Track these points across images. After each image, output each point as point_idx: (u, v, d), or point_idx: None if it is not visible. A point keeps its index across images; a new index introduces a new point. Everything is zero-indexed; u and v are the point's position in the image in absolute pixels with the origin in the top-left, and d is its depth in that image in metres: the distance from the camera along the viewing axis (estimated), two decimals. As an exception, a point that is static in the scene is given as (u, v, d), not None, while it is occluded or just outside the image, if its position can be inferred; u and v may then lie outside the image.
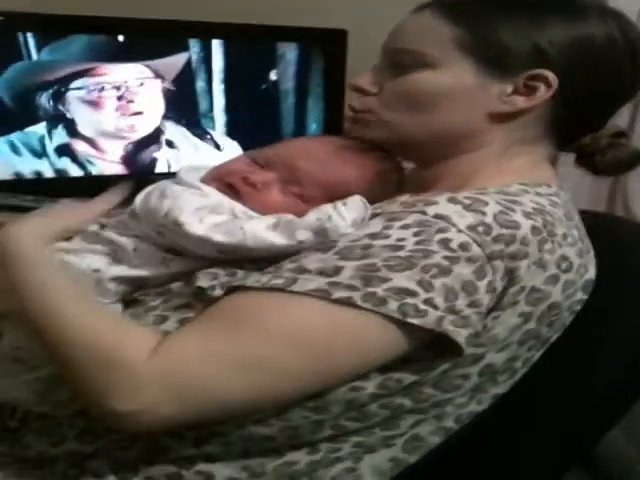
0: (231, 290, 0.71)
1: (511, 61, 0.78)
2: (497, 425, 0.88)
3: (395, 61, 0.82)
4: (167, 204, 0.75)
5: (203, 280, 0.73)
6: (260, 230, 0.72)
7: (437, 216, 0.70)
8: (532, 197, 0.77)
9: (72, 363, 0.68)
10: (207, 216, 0.74)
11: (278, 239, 0.72)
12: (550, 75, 0.77)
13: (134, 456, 0.79)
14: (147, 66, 1.65)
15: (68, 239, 0.80)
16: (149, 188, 0.81)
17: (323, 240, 0.72)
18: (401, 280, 0.66)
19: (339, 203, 0.74)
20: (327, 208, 0.74)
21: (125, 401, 0.65)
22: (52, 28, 1.56)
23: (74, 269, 0.77)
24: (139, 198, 0.80)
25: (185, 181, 0.81)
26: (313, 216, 0.73)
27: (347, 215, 0.72)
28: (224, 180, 0.81)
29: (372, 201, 0.79)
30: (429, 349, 0.72)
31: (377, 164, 0.86)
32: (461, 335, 0.68)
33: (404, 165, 0.90)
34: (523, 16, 0.78)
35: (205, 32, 1.71)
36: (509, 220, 0.71)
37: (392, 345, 0.69)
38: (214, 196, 0.79)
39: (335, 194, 0.79)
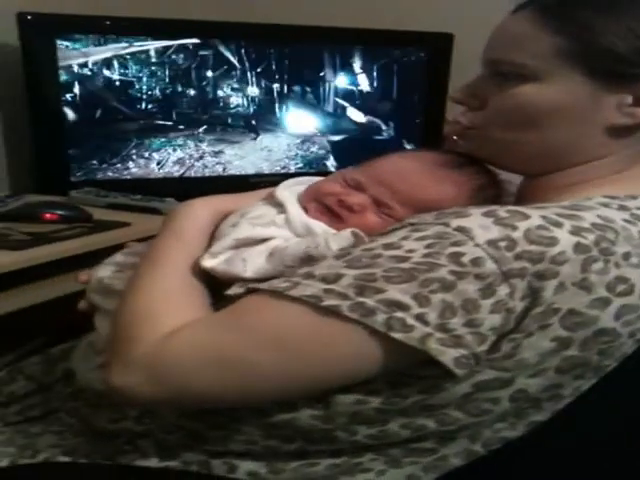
0: (250, 291, 0.72)
1: (626, 69, 0.72)
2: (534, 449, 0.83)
3: (496, 71, 0.78)
4: (228, 231, 0.78)
5: (233, 288, 0.74)
6: (259, 263, 0.74)
7: (458, 228, 0.66)
8: (603, 211, 0.70)
9: (112, 335, 0.73)
10: (230, 251, 0.76)
11: (270, 268, 0.73)
12: None
13: (175, 441, 0.82)
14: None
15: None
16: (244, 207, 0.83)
17: (310, 264, 0.71)
18: (395, 292, 0.64)
19: (330, 235, 0.74)
20: (318, 238, 0.73)
21: (116, 376, 0.69)
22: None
23: None
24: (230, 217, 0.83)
25: (278, 198, 0.82)
26: (303, 244, 0.73)
27: (333, 246, 0.72)
28: (321, 201, 0.81)
29: None
30: (437, 368, 0.66)
31: (473, 180, 0.82)
32: (447, 355, 0.64)
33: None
34: (625, 13, 0.71)
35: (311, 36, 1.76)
36: (544, 236, 0.65)
37: (376, 358, 0.66)
38: (297, 218, 0.79)
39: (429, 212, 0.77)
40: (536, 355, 0.69)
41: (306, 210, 0.81)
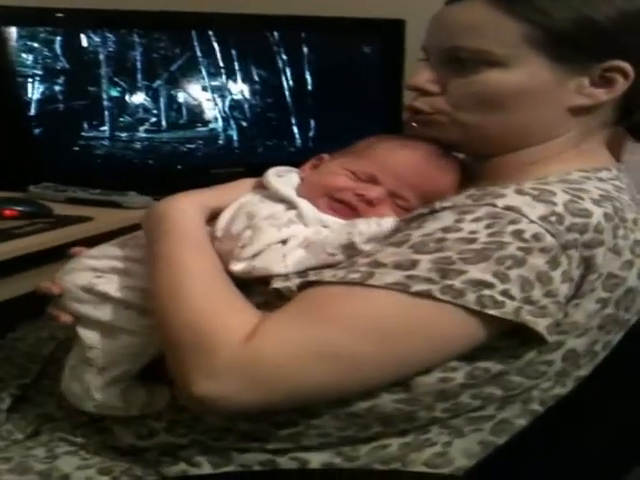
0: (307, 285, 0.72)
1: (583, 53, 0.76)
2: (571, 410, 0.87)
3: (453, 58, 0.80)
4: (246, 236, 0.77)
5: (277, 282, 0.74)
6: (299, 256, 0.75)
7: (507, 208, 0.71)
8: (596, 184, 0.76)
9: (175, 345, 0.71)
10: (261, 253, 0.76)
11: (311, 257, 0.75)
12: (625, 65, 0.76)
13: (227, 446, 0.82)
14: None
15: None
16: (236, 207, 0.82)
17: (350, 253, 0.74)
18: (477, 272, 0.67)
19: (372, 220, 0.76)
20: (359, 224, 0.76)
21: (205, 386, 0.67)
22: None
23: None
24: (226, 216, 0.82)
25: (280, 195, 0.83)
26: (344, 231, 0.75)
27: (373, 231, 0.74)
28: (335, 197, 0.82)
29: None
30: (513, 338, 0.73)
31: (458, 167, 0.86)
32: (540, 324, 0.69)
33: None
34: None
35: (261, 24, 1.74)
36: (580, 209, 0.71)
37: (470, 336, 0.70)
38: (311, 214, 0.80)
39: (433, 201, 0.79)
40: (585, 316, 0.75)
41: (315, 205, 0.81)
